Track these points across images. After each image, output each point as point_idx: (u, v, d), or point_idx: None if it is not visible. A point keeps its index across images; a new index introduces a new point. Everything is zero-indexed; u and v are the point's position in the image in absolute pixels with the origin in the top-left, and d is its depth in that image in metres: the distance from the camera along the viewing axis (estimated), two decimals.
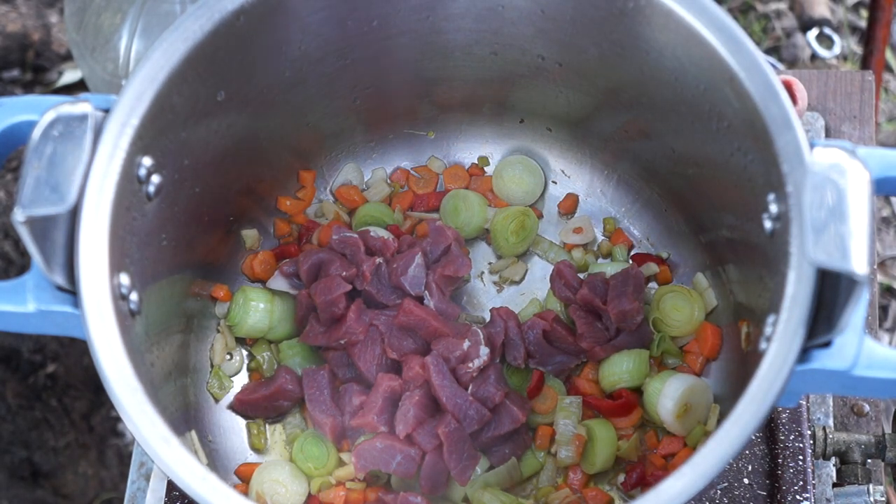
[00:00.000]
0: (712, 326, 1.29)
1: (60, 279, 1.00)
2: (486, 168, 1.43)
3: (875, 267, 1.38)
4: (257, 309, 1.31)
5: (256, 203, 1.36)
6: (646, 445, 1.27)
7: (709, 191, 1.24)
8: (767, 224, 1.05)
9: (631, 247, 1.38)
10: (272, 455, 1.30)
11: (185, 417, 1.26)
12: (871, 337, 0.98)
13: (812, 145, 1.00)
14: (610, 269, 1.33)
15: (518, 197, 1.40)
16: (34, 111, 1.03)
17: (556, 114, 1.36)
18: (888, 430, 1.32)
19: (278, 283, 1.34)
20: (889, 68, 2.47)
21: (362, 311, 1.28)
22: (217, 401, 1.32)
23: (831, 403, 1.35)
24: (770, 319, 1.01)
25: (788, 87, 1.43)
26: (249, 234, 1.36)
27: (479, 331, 1.27)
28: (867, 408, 1.38)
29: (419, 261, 1.30)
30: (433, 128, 1.42)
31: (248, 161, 1.29)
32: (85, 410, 2.15)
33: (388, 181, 1.42)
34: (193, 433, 1.24)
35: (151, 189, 1.10)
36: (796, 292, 0.96)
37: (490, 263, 1.39)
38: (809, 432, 1.27)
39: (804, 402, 1.28)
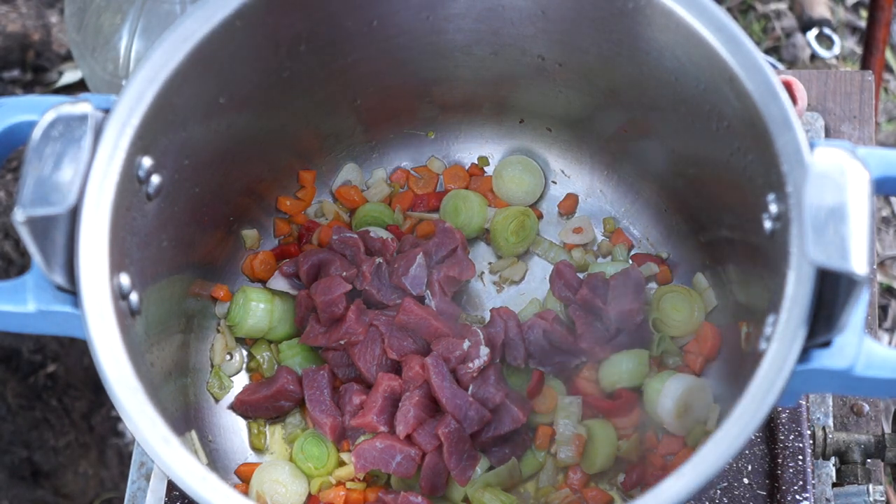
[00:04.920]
0: (712, 326, 1.29)
1: (61, 279, 1.00)
2: (486, 168, 1.43)
3: (875, 267, 1.38)
4: (257, 309, 1.31)
5: (256, 203, 1.36)
6: (646, 445, 1.27)
7: (709, 191, 1.24)
8: (767, 224, 1.05)
9: (631, 247, 1.38)
10: (272, 455, 1.30)
11: (185, 417, 1.26)
12: (871, 337, 0.98)
13: (812, 145, 1.00)
14: (610, 268, 1.33)
15: (518, 197, 1.40)
16: (34, 111, 1.03)
17: (556, 114, 1.36)
18: (888, 429, 1.32)
19: (278, 283, 1.34)
20: (889, 68, 2.47)
21: (362, 312, 1.28)
22: (217, 401, 1.32)
23: (831, 403, 1.35)
24: (770, 319, 1.01)
25: (788, 87, 1.43)
26: (249, 234, 1.36)
27: (479, 331, 1.27)
28: (867, 408, 1.38)
29: (421, 261, 1.30)
30: (433, 128, 1.42)
31: (248, 161, 1.29)
32: (85, 410, 2.15)
33: (388, 181, 1.42)
34: (193, 433, 1.24)
35: (151, 189, 1.10)
36: (796, 292, 0.96)
37: (490, 263, 1.39)
38: (809, 432, 1.27)
39: (804, 402, 1.28)
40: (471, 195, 1.39)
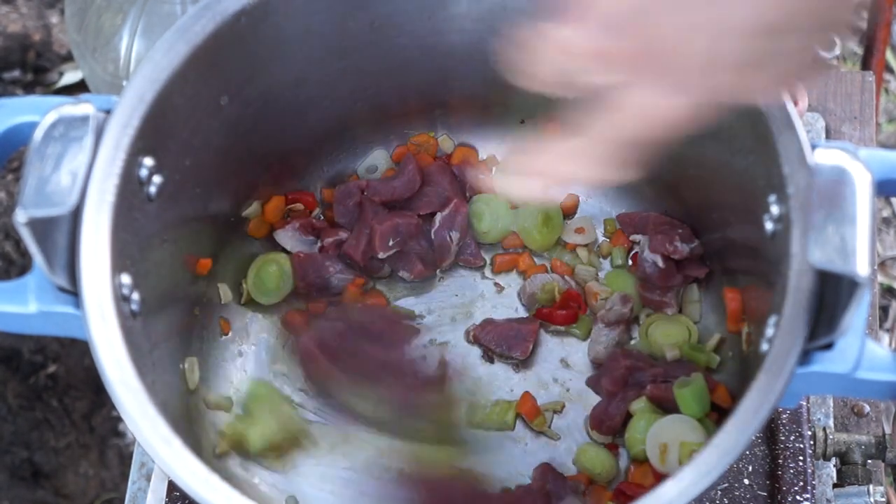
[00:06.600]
0: None
1: (62, 280, 1.00)
2: None
3: (876, 268, 1.38)
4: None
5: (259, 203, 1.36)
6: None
7: (709, 192, 1.24)
8: (768, 225, 1.05)
9: (630, 248, 1.37)
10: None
11: (187, 417, 1.25)
12: (871, 337, 0.98)
13: (813, 146, 1.00)
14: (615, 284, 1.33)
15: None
16: (36, 112, 1.03)
17: (557, 114, 1.36)
18: (888, 430, 1.32)
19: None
20: (889, 69, 2.47)
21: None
22: None
23: (831, 404, 1.35)
24: (771, 321, 1.01)
25: None
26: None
27: None
28: (867, 408, 1.38)
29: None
30: (434, 128, 1.41)
31: (250, 162, 1.29)
32: (86, 411, 2.16)
33: None
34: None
35: (153, 190, 1.10)
36: (797, 294, 0.96)
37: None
38: (810, 433, 1.27)
39: (804, 403, 1.28)
40: (493, 198, 1.37)
